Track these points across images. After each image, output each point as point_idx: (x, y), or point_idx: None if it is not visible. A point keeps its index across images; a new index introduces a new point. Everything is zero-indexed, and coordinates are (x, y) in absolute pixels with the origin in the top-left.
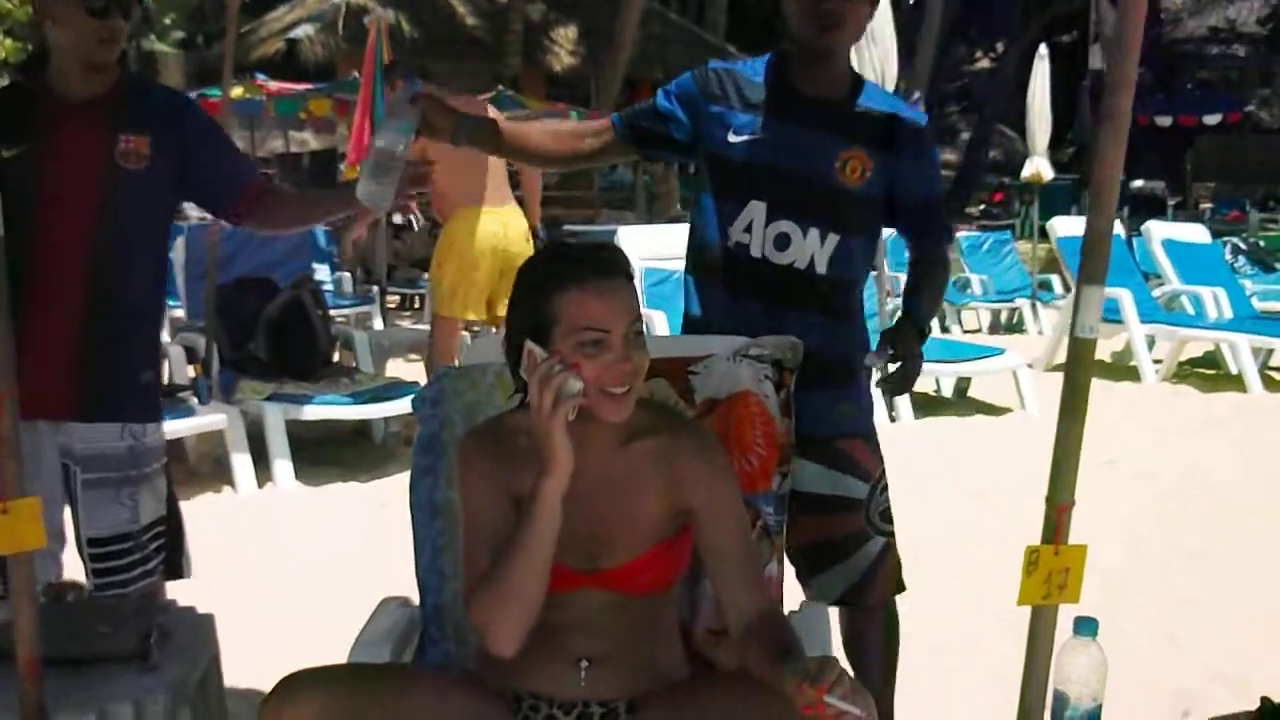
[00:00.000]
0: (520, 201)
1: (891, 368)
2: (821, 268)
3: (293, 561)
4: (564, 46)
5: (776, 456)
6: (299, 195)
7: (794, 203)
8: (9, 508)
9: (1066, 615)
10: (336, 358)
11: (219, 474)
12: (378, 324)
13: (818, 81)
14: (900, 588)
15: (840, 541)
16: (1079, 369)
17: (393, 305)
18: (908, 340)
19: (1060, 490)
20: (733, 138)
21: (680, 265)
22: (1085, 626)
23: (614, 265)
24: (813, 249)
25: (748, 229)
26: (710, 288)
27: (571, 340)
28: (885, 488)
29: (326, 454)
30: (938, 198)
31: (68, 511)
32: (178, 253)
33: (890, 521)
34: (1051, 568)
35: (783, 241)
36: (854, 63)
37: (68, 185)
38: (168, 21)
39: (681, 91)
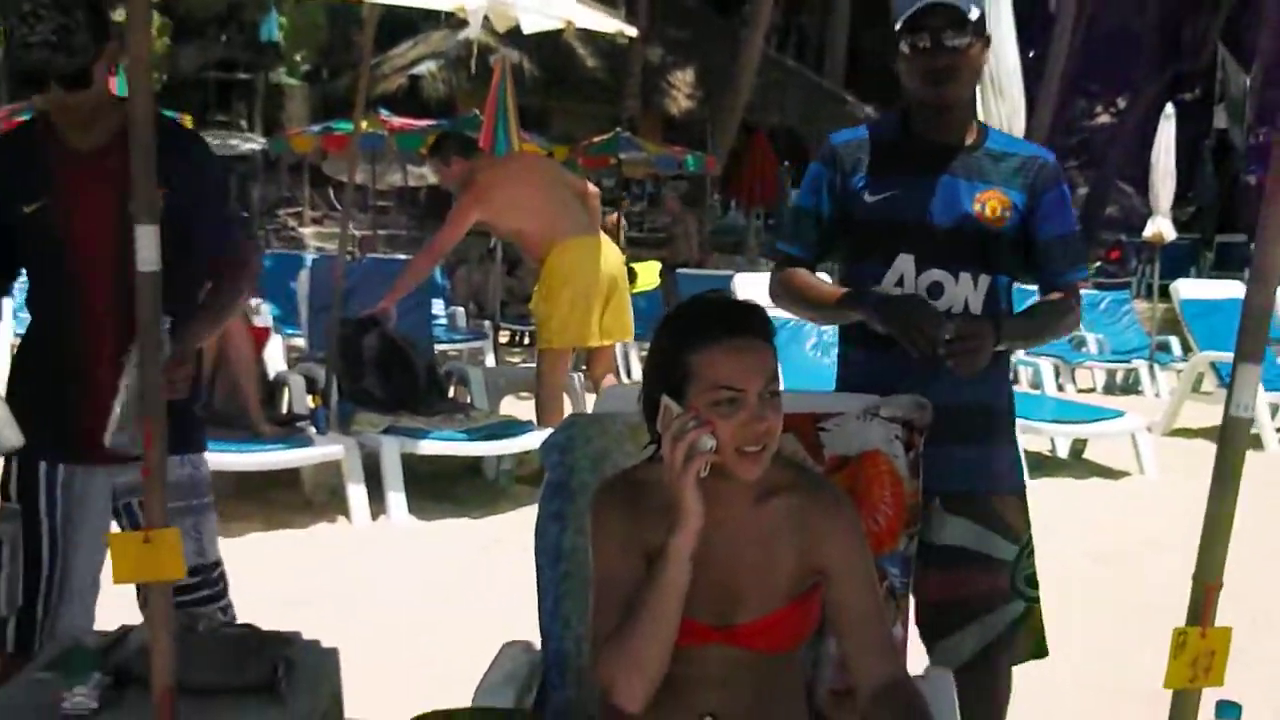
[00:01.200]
0: None
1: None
2: (976, 310)
3: (408, 597)
4: (682, 90)
5: (904, 517)
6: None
7: (941, 250)
8: (152, 537)
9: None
10: (451, 393)
11: (333, 504)
12: (490, 360)
13: (944, 129)
14: (1041, 652)
15: (977, 599)
16: (1231, 447)
17: (504, 341)
18: (979, 329)
19: (1209, 569)
20: (869, 197)
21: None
22: (1228, 711)
23: (752, 325)
24: (965, 293)
25: (899, 283)
26: (857, 350)
27: (706, 398)
28: (1032, 551)
29: (439, 489)
30: (1074, 231)
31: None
32: (301, 284)
33: (1035, 586)
34: (1198, 650)
35: (936, 290)
36: (979, 114)
37: (91, 240)
38: (298, 58)
39: (816, 182)
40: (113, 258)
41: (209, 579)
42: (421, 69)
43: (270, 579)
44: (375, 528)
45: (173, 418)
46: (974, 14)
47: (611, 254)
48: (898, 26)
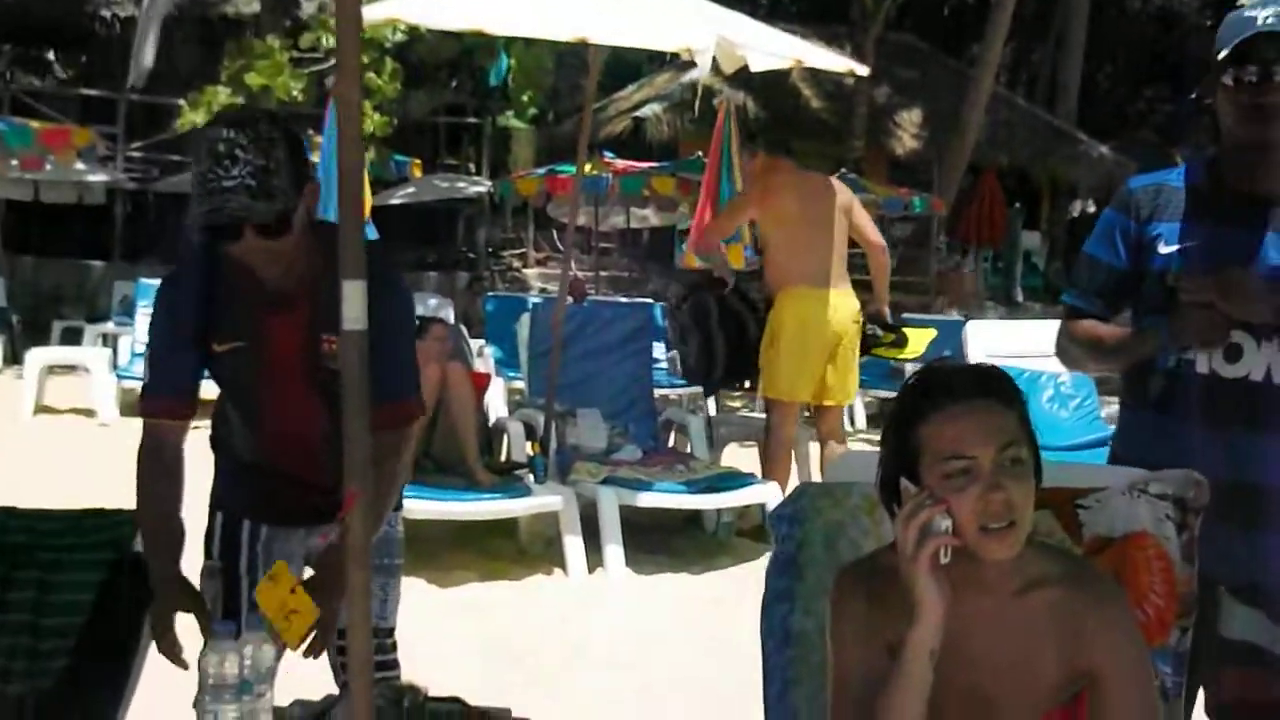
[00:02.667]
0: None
1: None
2: (1278, 381)
3: (626, 656)
4: (908, 130)
5: (1176, 608)
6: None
7: None
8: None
9: None
10: (671, 442)
11: (549, 555)
12: (710, 406)
13: (1259, 179)
14: None
15: (1272, 707)
16: None
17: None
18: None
19: None
20: (1163, 249)
21: (1031, 362)
22: None
23: (979, 385)
24: (1269, 359)
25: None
26: (1142, 414)
27: (937, 472)
28: None
29: (657, 541)
30: None
31: None
32: (522, 328)
33: None
34: None
35: (1234, 353)
36: None
37: (281, 385)
38: (525, 99)
39: (1109, 230)
40: (304, 409)
41: (383, 645)
42: (646, 111)
43: (487, 632)
44: (592, 581)
45: None
46: None
47: (844, 309)
48: (1221, 56)
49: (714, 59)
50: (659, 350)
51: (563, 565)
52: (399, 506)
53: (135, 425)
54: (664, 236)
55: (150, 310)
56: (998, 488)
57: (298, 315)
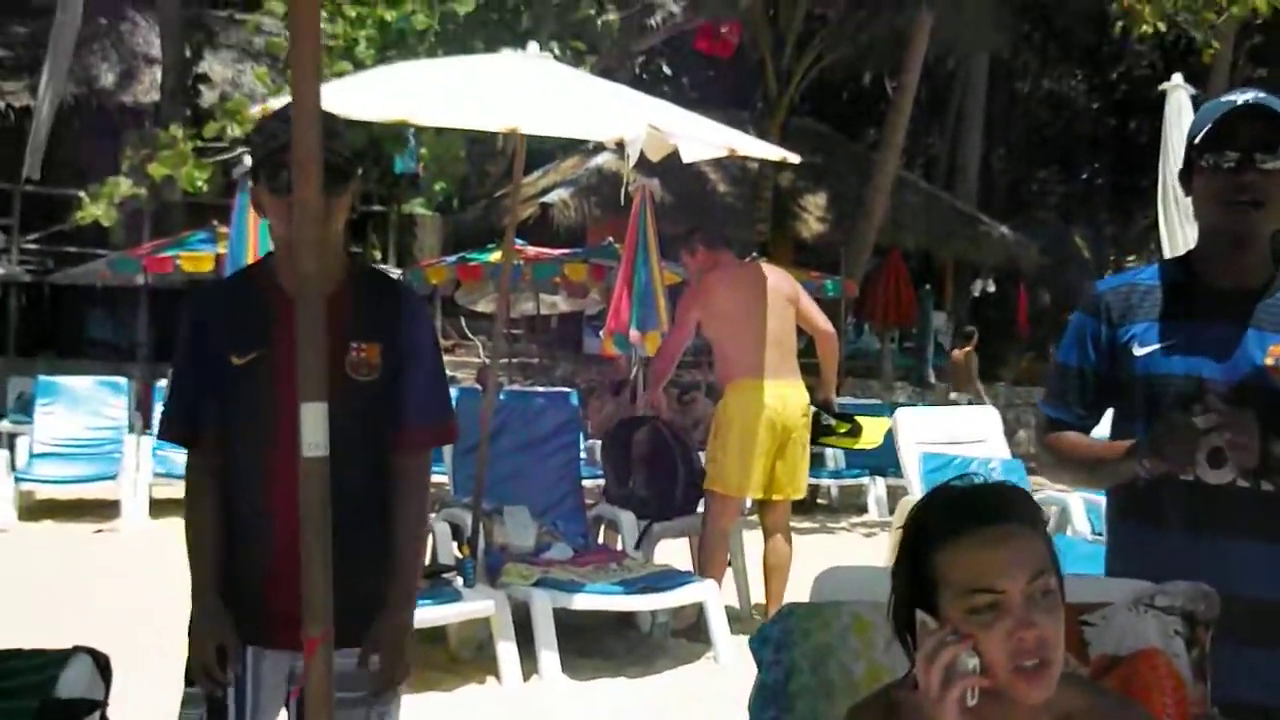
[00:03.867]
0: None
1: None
2: (1269, 484)
3: None
4: (813, 213)
5: None
6: (402, 508)
7: None
8: None
9: None
10: (601, 538)
11: (481, 662)
12: None
13: (1235, 272)
14: None
15: None
16: None
17: None
18: (1237, 414)
19: None
20: (1139, 350)
21: (965, 450)
22: None
23: (1001, 507)
24: (1251, 461)
25: None
26: (1130, 525)
27: (960, 606)
28: None
29: (590, 644)
30: None
31: None
32: None
33: None
34: None
35: (1217, 458)
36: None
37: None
38: (437, 189)
39: (1080, 334)
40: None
41: None
42: (553, 197)
43: None
44: (528, 689)
45: (376, 599)
46: None
47: (792, 400)
48: (1198, 140)
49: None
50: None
51: (496, 673)
52: None
53: (38, 531)
54: (572, 322)
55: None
56: (1029, 624)
57: (332, 319)
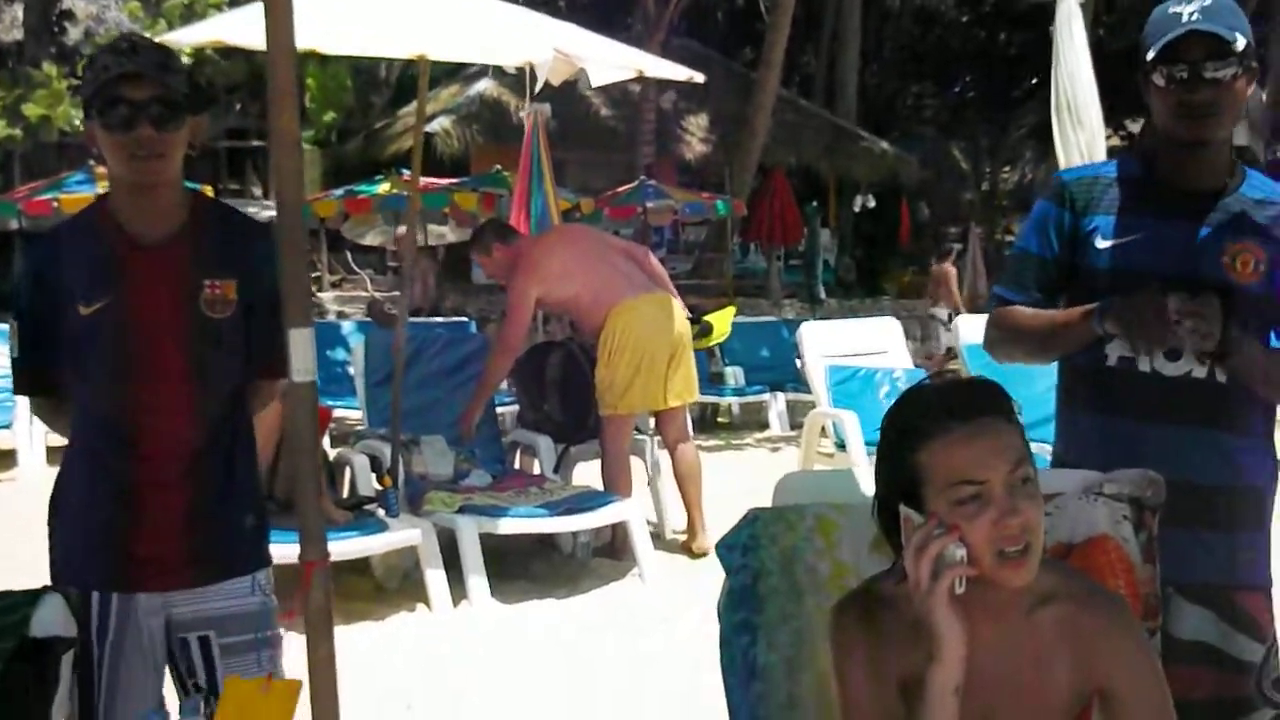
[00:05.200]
0: None
1: None
2: (1223, 375)
3: (509, 692)
4: (695, 134)
5: (1140, 609)
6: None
7: None
8: (273, 687)
9: None
10: (517, 464)
11: (409, 591)
12: None
13: (1194, 174)
14: None
15: (1221, 705)
16: None
17: None
18: (1205, 301)
19: None
20: (1100, 243)
21: (867, 360)
22: None
23: (978, 402)
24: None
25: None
26: (1084, 415)
27: (945, 499)
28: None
29: (514, 567)
30: None
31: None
32: (356, 359)
33: None
34: None
35: (1172, 354)
36: (1057, 147)
37: (155, 345)
38: (326, 119)
39: (1043, 221)
40: (178, 367)
41: None
42: (434, 126)
43: (360, 679)
44: (459, 615)
45: (241, 531)
46: (1239, 43)
47: (671, 307)
48: (1150, 56)
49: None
50: None
51: (425, 600)
52: (265, 565)
53: None
54: (460, 253)
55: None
56: (1013, 511)
57: (173, 259)
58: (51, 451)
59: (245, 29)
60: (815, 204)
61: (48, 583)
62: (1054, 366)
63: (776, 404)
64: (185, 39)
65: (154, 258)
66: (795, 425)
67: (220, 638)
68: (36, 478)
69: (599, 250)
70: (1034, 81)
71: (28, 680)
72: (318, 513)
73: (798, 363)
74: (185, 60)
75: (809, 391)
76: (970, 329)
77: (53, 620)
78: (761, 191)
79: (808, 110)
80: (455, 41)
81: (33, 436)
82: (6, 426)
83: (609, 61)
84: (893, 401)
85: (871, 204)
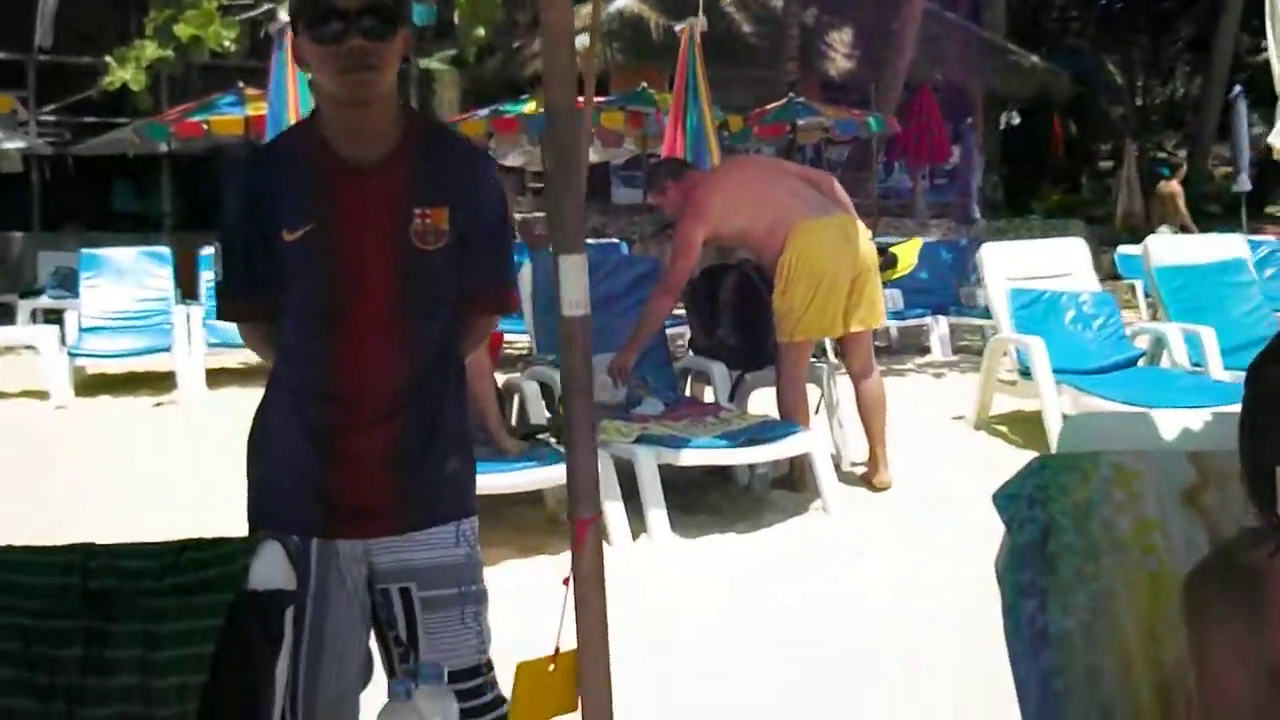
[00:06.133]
0: None
1: None
2: None
3: (698, 632)
4: (839, 51)
5: None
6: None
7: None
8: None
9: None
10: (688, 392)
11: None
12: None
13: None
14: None
15: None
16: None
17: None
18: None
19: None
20: None
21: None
22: None
23: None
24: None
25: None
26: None
27: None
28: None
29: (693, 500)
30: None
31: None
32: (524, 282)
33: None
34: None
35: None
36: None
37: (364, 275)
38: (478, 33)
39: None
40: (384, 300)
41: (491, 680)
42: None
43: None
44: (639, 550)
45: (446, 477)
46: None
47: (855, 229)
48: None
49: None
50: None
51: (605, 536)
52: (472, 513)
53: (94, 407)
54: (600, 173)
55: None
56: None
57: (384, 184)
58: (211, 375)
59: None
60: (970, 120)
61: (239, 522)
62: (1250, 289)
63: (938, 328)
64: None
65: (363, 182)
66: (958, 350)
67: (421, 590)
68: (197, 401)
69: (771, 177)
70: None
71: (252, 637)
72: (591, 461)
73: (963, 285)
74: None
75: (972, 314)
76: (1162, 251)
77: (273, 571)
78: (907, 108)
79: (955, 23)
80: None
81: (192, 359)
82: (165, 349)
83: None
84: (1266, 343)
85: (1016, 120)
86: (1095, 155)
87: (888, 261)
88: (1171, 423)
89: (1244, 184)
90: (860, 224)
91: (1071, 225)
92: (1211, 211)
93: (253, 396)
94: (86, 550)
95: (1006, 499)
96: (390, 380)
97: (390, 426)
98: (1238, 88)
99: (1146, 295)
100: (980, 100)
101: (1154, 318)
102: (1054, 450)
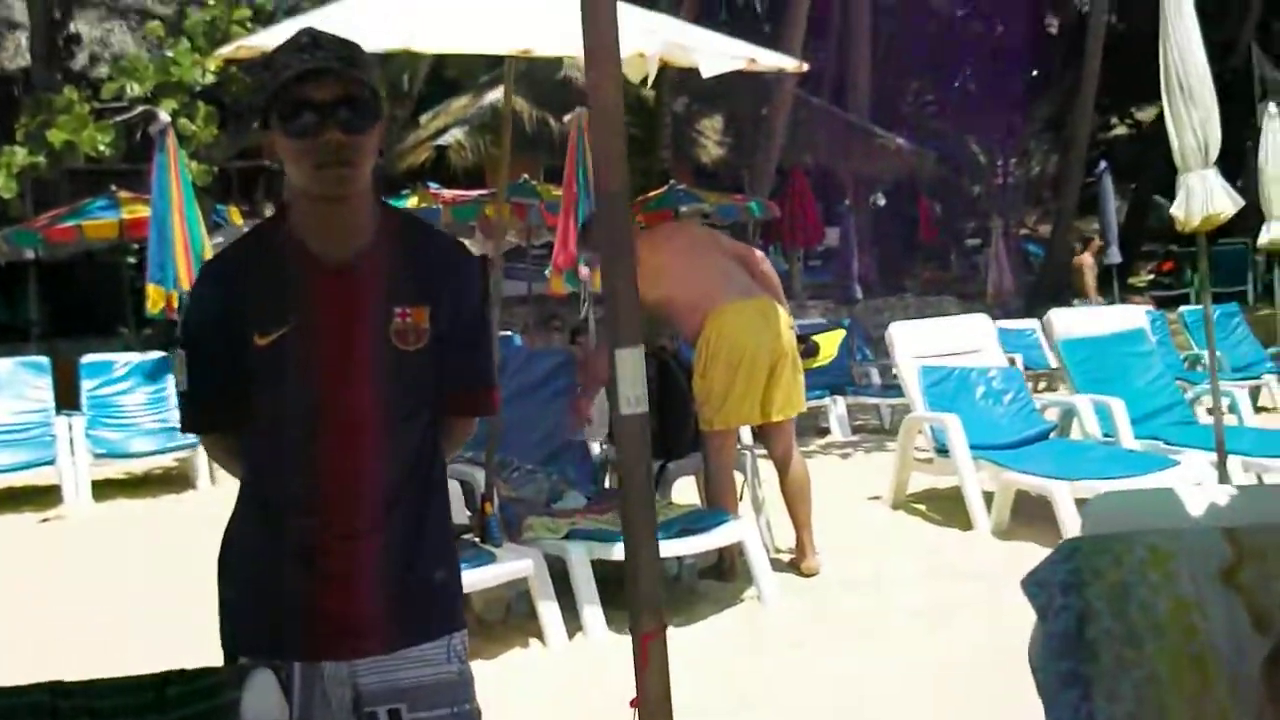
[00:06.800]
0: None
1: None
2: None
3: None
4: (710, 137)
5: None
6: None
7: None
8: None
9: None
10: (608, 483)
11: (516, 625)
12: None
13: None
14: None
15: None
16: None
17: None
18: None
19: None
20: None
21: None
22: None
23: None
24: None
25: None
26: None
27: None
28: None
29: (619, 595)
30: None
31: None
32: None
33: None
34: None
35: None
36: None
37: (339, 380)
38: None
39: None
40: (365, 405)
41: None
42: (447, 138)
43: None
44: (576, 649)
45: (434, 589)
46: None
47: (775, 314)
48: None
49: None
50: None
51: (537, 635)
52: (460, 626)
53: None
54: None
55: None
56: None
57: (361, 282)
58: (97, 486)
59: (336, 24)
60: (848, 202)
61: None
62: (1151, 358)
63: (836, 408)
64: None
65: (339, 280)
66: (855, 429)
67: (412, 712)
68: (84, 516)
69: (701, 249)
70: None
71: None
72: (655, 569)
73: (855, 364)
74: (210, 79)
75: (866, 394)
76: (1065, 323)
77: (267, 703)
78: (781, 192)
79: (822, 109)
80: (562, 36)
81: (77, 471)
82: (49, 462)
83: (720, 52)
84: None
85: (882, 202)
86: (962, 233)
87: (809, 350)
88: (1198, 499)
89: (1114, 256)
90: (782, 310)
91: (945, 302)
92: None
93: (144, 507)
94: (54, 689)
95: (1037, 585)
96: (372, 488)
97: (375, 537)
98: (1103, 163)
99: (1027, 368)
100: (849, 182)
101: (1042, 390)
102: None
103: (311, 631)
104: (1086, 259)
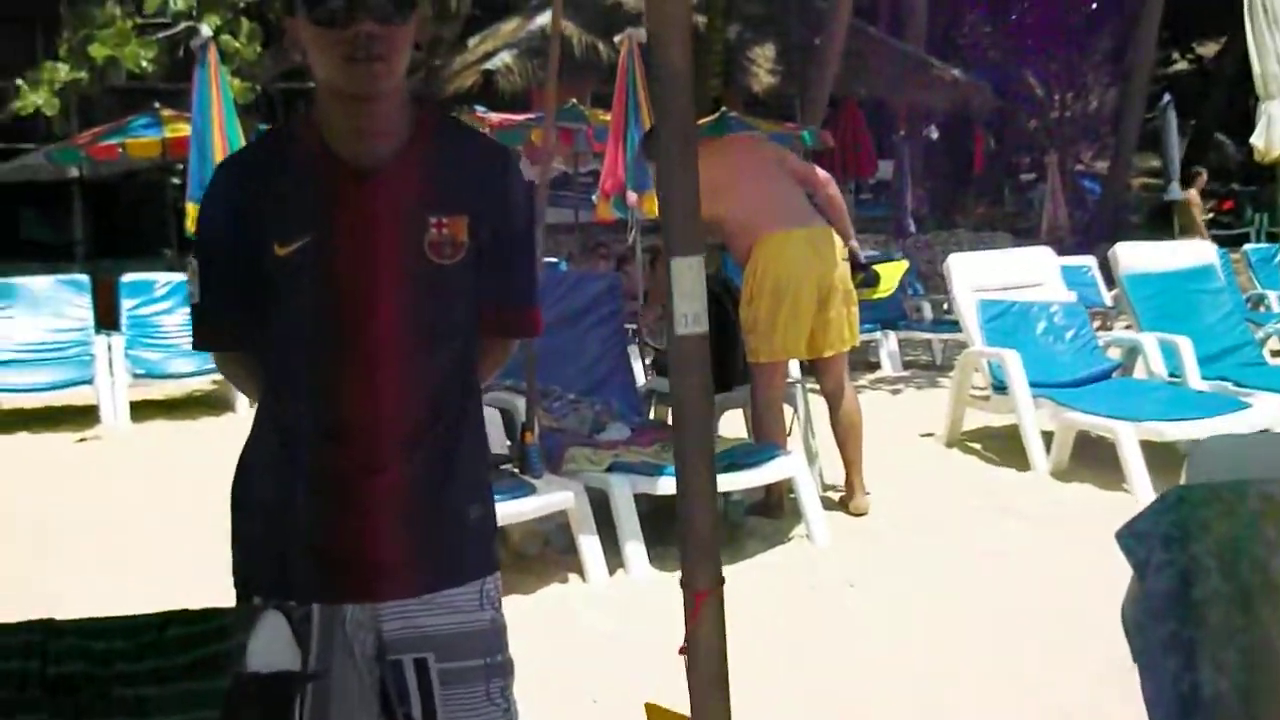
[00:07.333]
0: None
1: None
2: None
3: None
4: (762, 66)
5: None
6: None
7: None
8: None
9: None
10: (653, 415)
11: (551, 559)
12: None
13: None
14: None
15: None
16: None
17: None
18: None
19: None
20: None
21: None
22: None
23: None
24: None
25: None
26: None
27: None
28: None
29: (664, 530)
30: None
31: None
32: None
33: None
34: None
35: None
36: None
37: (367, 295)
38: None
39: None
40: (393, 323)
41: None
42: (495, 62)
43: (526, 663)
44: (616, 586)
45: (467, 527)
46: None
47: (827, 244)
48: None
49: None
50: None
51: (577, 570)
52: (494, 568)
53: (14, 443)
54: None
55: None
56: None
57: (394, 189)
58: (135, 407)
59: None
60: (902, 133)
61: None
62: (1222, 296)
63: (887, 343)
64: None
65: (369, 187)
66: (906, 365)
67: (440, 662)
68: (121, 435)
69: (761, 168)
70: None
71: None
72: (712, 517)
73: (908, 299)
74: None
75: (918, 329)
76: (1131, 258)
77: (277, 648)
78: (833, 123)
79: (876, 39)
80: None
81: (115, 391)
82: (87, 382)
83: None
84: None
85: (934, 135)
86: (1017, 168)
87: (868, 280)
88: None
89: (1175, 193)
90: (836, 240)
91: (998, 238)
92: (1132, 222)
93: (179, 429)
94: (46, 628)
95: (1134, 538)
96: (401, 414)
97: (402, 468)
98: (1166, 96)
99: (1088, 306)
100: (902, 113)
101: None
102: (1166, 478)
103: (330, 571)
104: (1193, 195)
